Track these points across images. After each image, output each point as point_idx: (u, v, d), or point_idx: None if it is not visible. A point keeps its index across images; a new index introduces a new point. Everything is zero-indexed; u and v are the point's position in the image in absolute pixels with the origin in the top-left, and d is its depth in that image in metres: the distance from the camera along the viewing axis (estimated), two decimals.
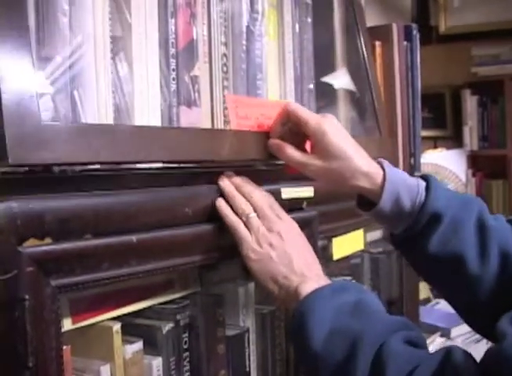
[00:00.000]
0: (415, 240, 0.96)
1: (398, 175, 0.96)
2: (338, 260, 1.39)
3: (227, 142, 0.96)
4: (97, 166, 0.83)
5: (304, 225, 1.13)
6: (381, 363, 0.75)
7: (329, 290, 0.86)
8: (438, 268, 0.96)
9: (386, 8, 2.00)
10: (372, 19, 1.55)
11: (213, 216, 0.94)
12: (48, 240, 0.72)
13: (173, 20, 0.96)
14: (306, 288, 0.87)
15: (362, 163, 0.96)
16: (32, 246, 0.70)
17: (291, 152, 0.99)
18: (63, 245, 0.73)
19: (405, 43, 1.59)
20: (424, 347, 0.81)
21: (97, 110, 0.85)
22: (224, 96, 1.05)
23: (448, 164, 3.34)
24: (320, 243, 1.22)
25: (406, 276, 1.73)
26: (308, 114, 0.98)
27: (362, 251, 1.56)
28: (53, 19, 0.79)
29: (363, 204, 1.01)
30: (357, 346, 0.77)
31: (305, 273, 0.90)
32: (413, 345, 0.79)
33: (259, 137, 1.02)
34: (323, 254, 1.27)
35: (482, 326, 0.98)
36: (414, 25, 1.65)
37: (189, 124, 0.98)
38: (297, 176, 1.11)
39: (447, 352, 0.75)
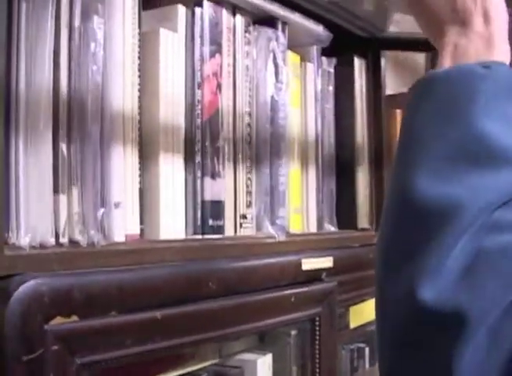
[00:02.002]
0: None
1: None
2: (355, 328, 1.38)
3: None
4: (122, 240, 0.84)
5: (324, 296, 1.12)
6: None
7: None
8: None
9: (403, 73, 2.01)
10: (391, 86, 1.56)
11: (235, 290, 0.93)
12: (74, 317, 0.71)
13: (200, 91, 0.97)
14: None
15: None
16: (58, 324, 0.69)
17: None
18: (88, 323, 0.72)
19: None
20: None
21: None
22: (246, 167, 1.05)
23: None
24: (338, 311, 1.21)
25: None
26: None
27: None
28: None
29: None
30: None
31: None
32: None
33: None
34: (340, 323, 1.26)
35: None
36: None
37: (213, 196, 0.98)
38: (316, 246, 1.12)
39: None
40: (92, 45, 0.80)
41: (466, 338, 0.48)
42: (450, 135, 0.54)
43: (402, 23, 1.62)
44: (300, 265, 1.08)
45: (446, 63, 0.60)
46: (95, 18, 0.80)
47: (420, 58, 2.07)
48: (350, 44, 1.37)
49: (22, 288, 0.66)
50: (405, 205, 0.54)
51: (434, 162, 0.54)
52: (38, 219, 0.74)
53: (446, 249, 0.50)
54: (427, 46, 0.68)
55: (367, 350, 1.47)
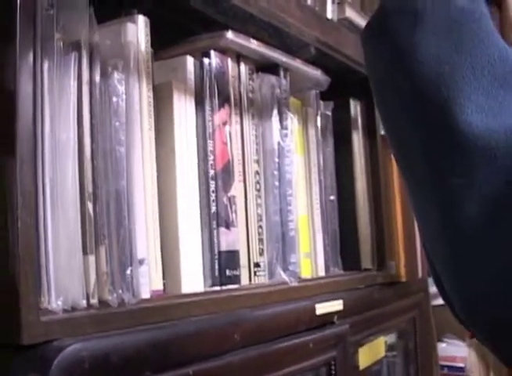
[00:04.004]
0: None
1: None
2: (363, 369, 1.37)
3: None
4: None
5: (338, 340, 1.12)
6: None
7: None
8: None
9: None
10: None
11: (258, 340, 0.93)
12: None
13: (211, 141, 0.97)
14: None
15: None
16: None
17: None
18: None
19: None
20: None
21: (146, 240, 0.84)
22: (258, 215, 1.05)
23: None
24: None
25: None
26: None
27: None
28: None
29: None
30: None
31: None
32: None
33: None
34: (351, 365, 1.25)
35: None
36: None
37: (228, 246, 0.97)
38: (326, 290, 1.12)
39: None
40: (114, 101, 0.79)
41: None
42: (473, 63, 0.52)
43: None
44: (314, 310, 1.08)
45: None
46: (115, 74, 0.80)
47: None
48: (345, 87, 1.38)
49: (62, 355, 0.65)
50: (460, 144, 0.50)
51: (474, 95, 0.51)
52: (69, 281, 0.72)
53: None
54: None
55: None
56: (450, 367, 2.18)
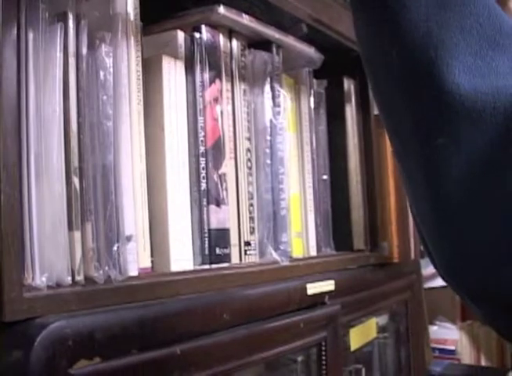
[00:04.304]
0: None
1: None
2: (354, 350, 1.36)
3: None
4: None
5: (329, 320, 1.11)
6: None
7: None
8: None
9: None
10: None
11: (247, 319, 0.91)
12: (97, 359, 0.68)
13: (202, 118, 0.95)
14: None
15: None
16: (82, 367, 0.66)
17: None
18: (111, 364, 0.69)
19: None
20: None
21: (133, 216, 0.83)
22: (248, 193, 1.03)
23: None
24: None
25: (414, 360, 1.70)
26: None
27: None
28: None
29: None
30: None
31: None
32: None
33: None
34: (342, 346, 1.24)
35: None
36: None
37: (219, 224, 0.96)
38: (318, 270, 1.11)
39: None
40: (101, 74, 0.78)
41: None
42: (462, 23, 0.50)
43: None
44: (305, 289, 1.06)
45: None
46: (103, 46, 0.78)
47: None
48: (339, 65, 1.36)
49: (45, 333, 0.63)
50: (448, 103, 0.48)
51: (462, 55, 0.49)
52: (54, 257, 0.71)
53: None
54: None
55: (363, 371, 1.45)
56: (441, 350, 2.18)
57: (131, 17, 0.85)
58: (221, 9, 0.99)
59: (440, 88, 0.48)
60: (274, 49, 1.12)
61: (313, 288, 1.08)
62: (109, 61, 0.78)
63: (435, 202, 0.50)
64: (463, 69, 0.48)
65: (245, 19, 1.04)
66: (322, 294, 1.12)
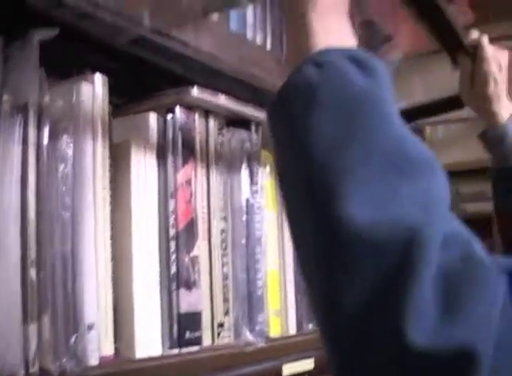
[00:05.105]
0: None
1: None
2: None
3: None
4: None
5: None
6: None
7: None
8: None
9: None
10: None
11: None
12: None
13: (173, 200, 0.95)
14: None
15: None
16: None
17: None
18: None
19: None
20: None
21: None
22: (223, 274, 1.03)
23: None
24: None
25: None
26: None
27: None
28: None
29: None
30: None
31: None
32: None
33: None
34: None
35: None
36: None
37: (190, 306, 0.95)
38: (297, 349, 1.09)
39: None
40: (62, 165, 0.78)
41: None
42: (364, 149, 0.49)
43: None
44: (280, 371, 1.05)
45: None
46: (65, 137, 0.79)
47: None
48: None
49: None
50: (349, 241, 0.46)
51: (362, 185, 0.48)
52: (6, 350, 0.70)
53: (415, 282, 0.44)
54: None
55: None
56: None
57: (99, 104, 0.85)
58: (195, 91, 0.99)
59: (338, 218, 0.47)
60: (253, 127, 1.12)
61: (289, 369, 1.07)
62: (69, 151, 0.79)
63: (329, 324, 0.49)
64: (361, 199, 0.47)
65: (221, 100, 1.04)
66: (301, 374, 1.11)
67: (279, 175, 0.56)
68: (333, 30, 0.56)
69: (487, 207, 3.12)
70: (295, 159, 0.52)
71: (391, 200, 0.47)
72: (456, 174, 3.23)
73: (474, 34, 1.10)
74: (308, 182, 0.50)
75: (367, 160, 0.49)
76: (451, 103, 1.25)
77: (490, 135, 1.11)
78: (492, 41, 1.10)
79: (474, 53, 1.08)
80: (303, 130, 0.51)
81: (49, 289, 0.76)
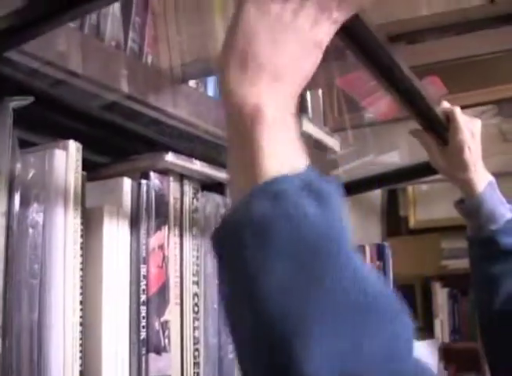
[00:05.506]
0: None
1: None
2: None
3: None
4: None
5: None
6: None
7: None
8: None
9: (357, 201, 2.05)
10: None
11: None
12: None
13: (145, 266, 0.95)
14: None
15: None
16: None
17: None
18: None
19: (377, 262, 1.61)
20: None
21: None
22: (194, 338, 1.03)
23: (420, 355, 3.26)
24: None
25: None
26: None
27: None
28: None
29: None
30: None
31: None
32: None
33: None
34: None
35: None
36: (386, 244, 1.67)
37: (159, 371, 0.95)
38: None
39: None
40: (31, 232, 0.79)
41: None
42: (320, 301, 0.45)
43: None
44: None
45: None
46: (35, 204, 0.80)
47: None
48: None
49: None
50: None
51: (317, 340, 0.44)
52: None
53: None
54: None
55: None
56: None
57: (71, 170, 0.86)
58: (169, 156, 1.00)
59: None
60: (228, 192, 1.14)
61: None
62: (39, 219, 0.80)
63: None
64: (314, 355, 0.44)
65: (195, 165, 1.05)
66: None
67: (223, 292, 0.52)
68: (281, 146, 0.52)
69: (468, 263, 3.15)
70: (241, 302, 0.48)
71: (352, 355, 0.45)
72: (439, 230, 3.26)
73: (446, 104, 1.12)
74: (259, 331, 0.46)
75: (325, 310, 0.45)
76: (426, 169, 1.26)
77: (466, 205, 1.12)
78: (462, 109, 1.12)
79: (447, 123, 1.09)
80: (253, 268, 0.46)
81: (14, 357, 0.76)
